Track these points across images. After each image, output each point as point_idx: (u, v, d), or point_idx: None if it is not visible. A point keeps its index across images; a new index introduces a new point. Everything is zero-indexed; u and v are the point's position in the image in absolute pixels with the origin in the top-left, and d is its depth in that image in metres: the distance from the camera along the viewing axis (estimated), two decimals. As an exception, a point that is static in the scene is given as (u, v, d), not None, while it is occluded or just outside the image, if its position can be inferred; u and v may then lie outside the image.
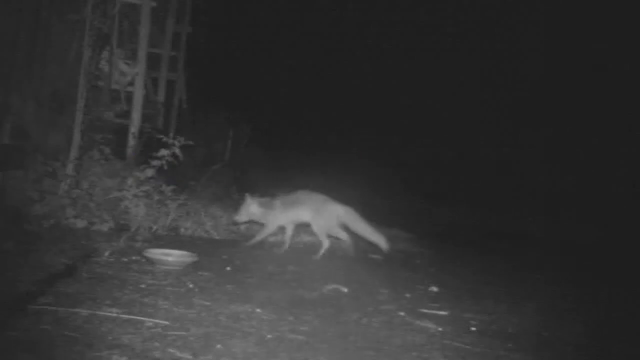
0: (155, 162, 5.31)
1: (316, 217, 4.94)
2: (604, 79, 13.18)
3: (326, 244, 4.97)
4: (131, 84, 7.58)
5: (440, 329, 3.17)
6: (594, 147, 12.93)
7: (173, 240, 4.91)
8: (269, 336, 2.72)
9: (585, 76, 13.25)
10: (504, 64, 13.95)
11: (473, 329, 3.26)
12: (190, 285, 3.51)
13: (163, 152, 5.31)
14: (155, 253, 4.01)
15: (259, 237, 5.06)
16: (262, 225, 5.11)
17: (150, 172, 5.33)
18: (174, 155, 5.33)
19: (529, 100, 13.95)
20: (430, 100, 14.44)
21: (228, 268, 4.13)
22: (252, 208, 4.93)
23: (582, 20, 12.94)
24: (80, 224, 4.85)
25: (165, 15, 9.38)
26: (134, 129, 6.84)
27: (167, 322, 2.74)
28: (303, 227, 5.64)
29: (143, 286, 3.36)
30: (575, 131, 13.22)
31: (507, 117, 13.78)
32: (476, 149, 13.88)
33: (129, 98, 7.35)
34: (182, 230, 5.35)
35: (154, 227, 5.17)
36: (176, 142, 5.33)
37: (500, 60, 14.04)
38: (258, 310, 3.13)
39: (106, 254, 4.02)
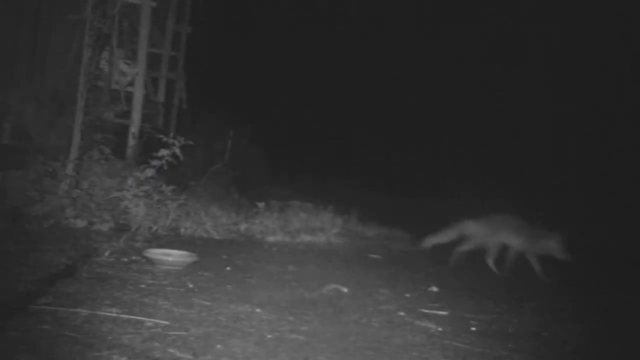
0: (155, 162, 5.31)
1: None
2: (604, 79, 13.18)
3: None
4: (131, 84, 7.58)
5: (440, 329, 3.17)
6: (595, 147, 12.93)
7: (173, 240, 4.91)
8: (269, 336, 2.72)
9: (586, 76, 13.25)
10: (503, 64, 13.96)
11: (473, 329, 3.27)
12: (190, 285, 3.51)
13: (163, 152, 5.31)
14: (155, 253, 4.01)
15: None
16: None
17: (150, 172, 5.33)
18: (174, 155, 5.33)
19: (529, 99, 13.95)
20: (431, 100, 14.44)
21: (228, 268, 4.13)
22: None
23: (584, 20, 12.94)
24: (80, 224, 4.85)
25: (165, 15, 9.37)
26: (134, 129, 6.84)
27: (167, 322, 2.74)
28: (303, 228, 5.65)
29: (143, 286, 3.36)
30: (576, 131, 13.22)
31: (508, 117, 13.78)
32: (476, 149, 13.88)
33: (129, 98, 7.35)
34: (182, 230, 5.34)
35: (154, 227, 5.17)
36: (176, 142, 5.33)
37: (499, 60, 14.04)
38: (258, 310, 3.13)
39: (106, 254, 4.01)
